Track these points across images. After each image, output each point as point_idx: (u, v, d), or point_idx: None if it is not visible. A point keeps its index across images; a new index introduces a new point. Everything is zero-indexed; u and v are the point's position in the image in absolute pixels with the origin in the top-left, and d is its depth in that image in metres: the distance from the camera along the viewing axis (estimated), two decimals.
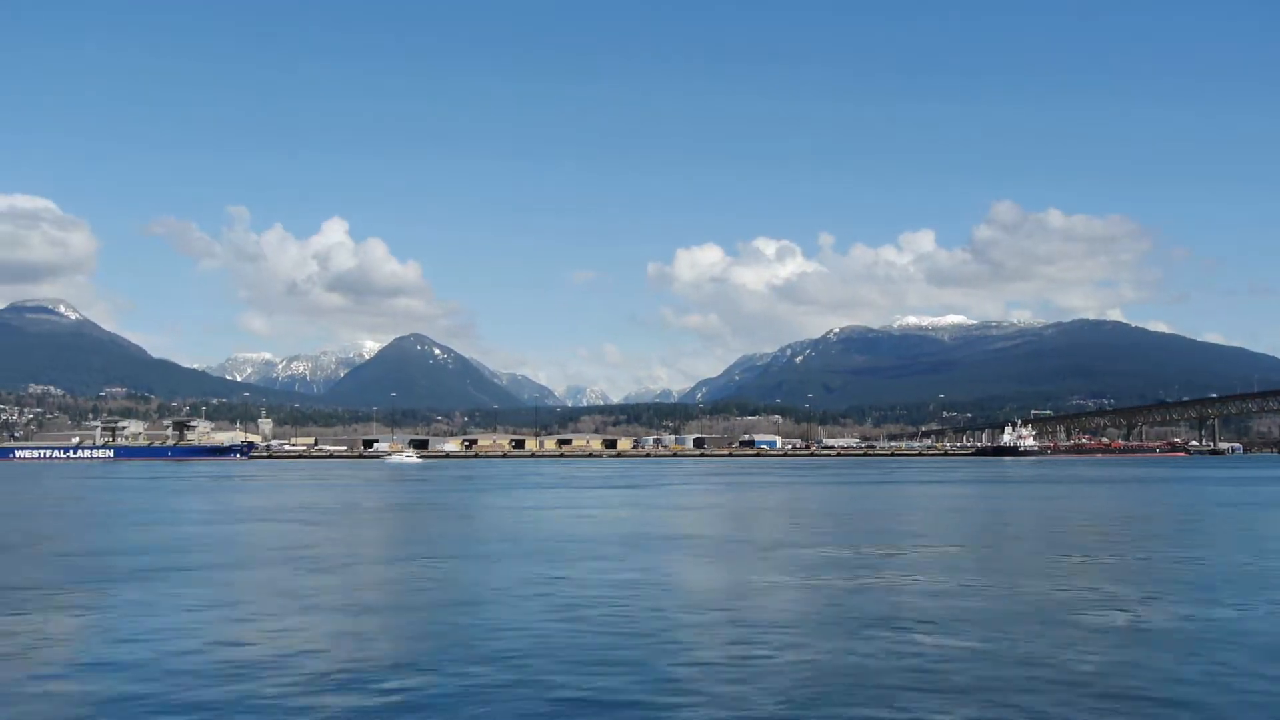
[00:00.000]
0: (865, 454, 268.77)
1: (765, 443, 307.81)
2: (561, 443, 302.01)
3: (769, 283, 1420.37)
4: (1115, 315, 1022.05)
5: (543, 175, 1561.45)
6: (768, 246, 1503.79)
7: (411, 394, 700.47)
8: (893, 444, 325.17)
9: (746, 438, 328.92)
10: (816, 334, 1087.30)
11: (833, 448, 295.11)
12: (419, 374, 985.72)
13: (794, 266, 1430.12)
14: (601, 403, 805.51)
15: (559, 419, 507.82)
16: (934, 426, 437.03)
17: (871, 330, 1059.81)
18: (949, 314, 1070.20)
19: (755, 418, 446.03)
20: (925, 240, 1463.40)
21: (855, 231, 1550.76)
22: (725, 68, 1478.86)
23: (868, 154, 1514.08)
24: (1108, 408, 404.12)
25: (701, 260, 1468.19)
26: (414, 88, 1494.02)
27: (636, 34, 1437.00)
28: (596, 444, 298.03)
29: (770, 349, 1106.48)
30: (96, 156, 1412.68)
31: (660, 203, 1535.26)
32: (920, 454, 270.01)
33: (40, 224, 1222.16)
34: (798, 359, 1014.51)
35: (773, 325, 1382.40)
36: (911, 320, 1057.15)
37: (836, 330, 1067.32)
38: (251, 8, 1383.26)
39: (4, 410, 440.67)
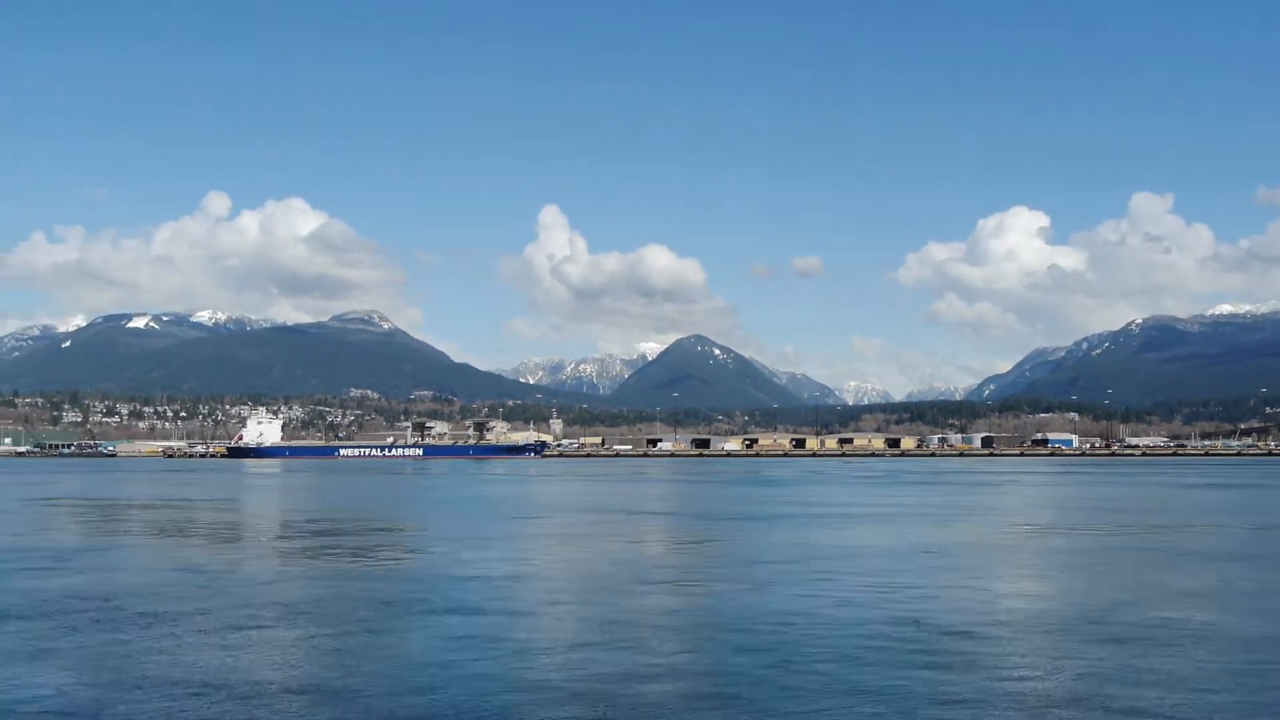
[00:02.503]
0: (1174, 453, 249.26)
1: (1060, 441, 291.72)
2: (843, 441, 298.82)
3: (1061, 271, 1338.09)
4: None
5: (801, 169, 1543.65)
6: (1063, 234, 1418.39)
7: (693, 394, 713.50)
8: (1206, 443, 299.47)
9: (1039, 436, 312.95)
10: (1116, 325, 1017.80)
11: (1136, 446, 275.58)
12: (700, 374, 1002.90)
13: (1089, 254, 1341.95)
14: (883, 400, 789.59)
15: (839, 417, 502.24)
16: (1255, 424, 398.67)
17: (1179, 320, 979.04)
18: (1272, 299, 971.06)
19: (1048, 415, 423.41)
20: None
21: (1152, 215, 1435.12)
22: None
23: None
24: None
25: (990, 249, 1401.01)
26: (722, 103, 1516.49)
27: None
28: (879, 443, 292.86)
29: (1065, 342, 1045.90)
30: (401, 184, 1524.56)
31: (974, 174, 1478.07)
32: (1239, 454, 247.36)
33: (350, 241, 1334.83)
34: (1095, 353, 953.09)
35: (1067, 317, 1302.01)
36: (1226, 309, 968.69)
37: (1139, 321, 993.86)
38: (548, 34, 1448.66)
39: (330, 412, 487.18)
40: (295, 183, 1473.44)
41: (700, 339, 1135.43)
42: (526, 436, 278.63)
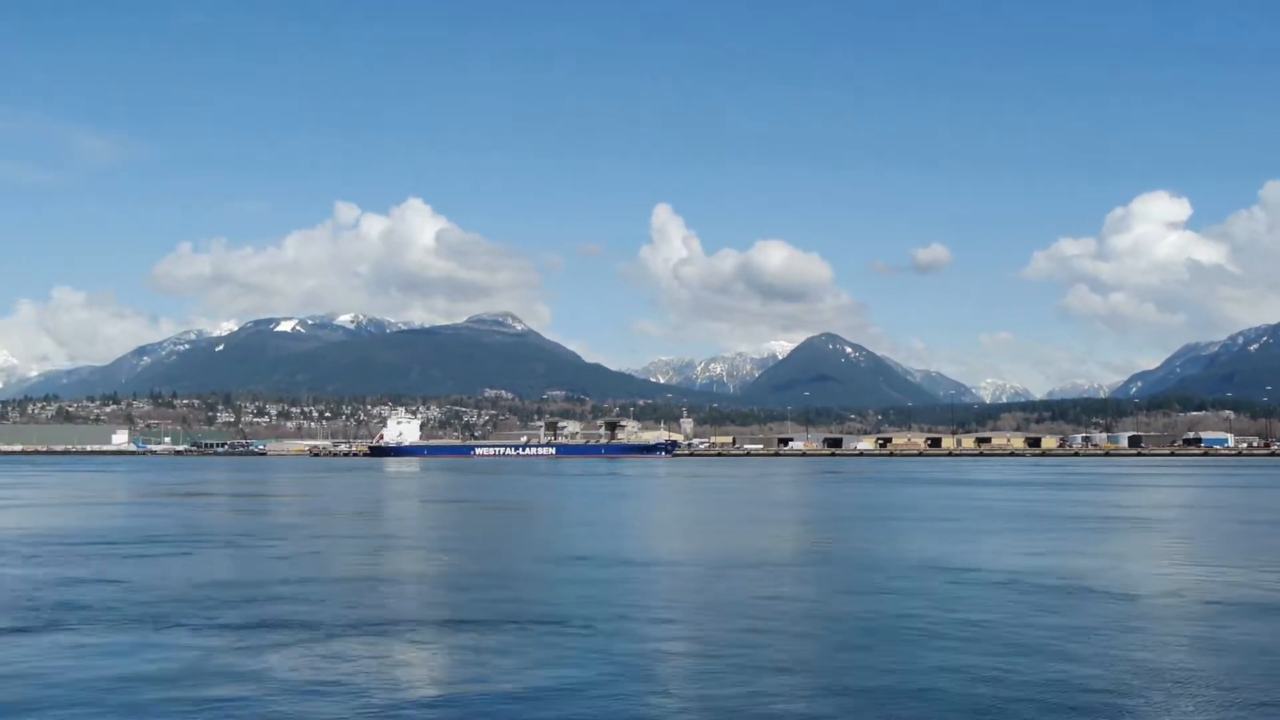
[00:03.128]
0: None
1: (1214, 440, 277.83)
2: (980, 441, 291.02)
3: (1199, 264, 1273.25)
4: None
5: (929, 165, 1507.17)
6: (1196, 225, 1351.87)
7: (824, 393, 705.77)
8: None
9: (1191, 435, 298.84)
10: (1271, 318, 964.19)
11: None
12: (831, 372, 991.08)
13: (1228, 245, 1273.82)
14: (1022, 399, 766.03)
15: (976, 416, 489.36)
16: None
17: None
18: None
19: (1200, 413, 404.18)
20: None
21: None
22: None
23: None
24: None
25: (1121, 242, 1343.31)
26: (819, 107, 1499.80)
27: None
28: (1018, 442, 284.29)
29: (1217, 337, 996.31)
30: (521, 187, 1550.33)
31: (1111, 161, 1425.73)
32: None
33: (479, 244, 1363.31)
34: (1251, 347, 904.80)
35: (1212, 311, 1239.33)
36: None
37: None
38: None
39: (466, 412, 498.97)
40: (419, 187, 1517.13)
41: (831, 337, 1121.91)
42: (657, 436, 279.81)
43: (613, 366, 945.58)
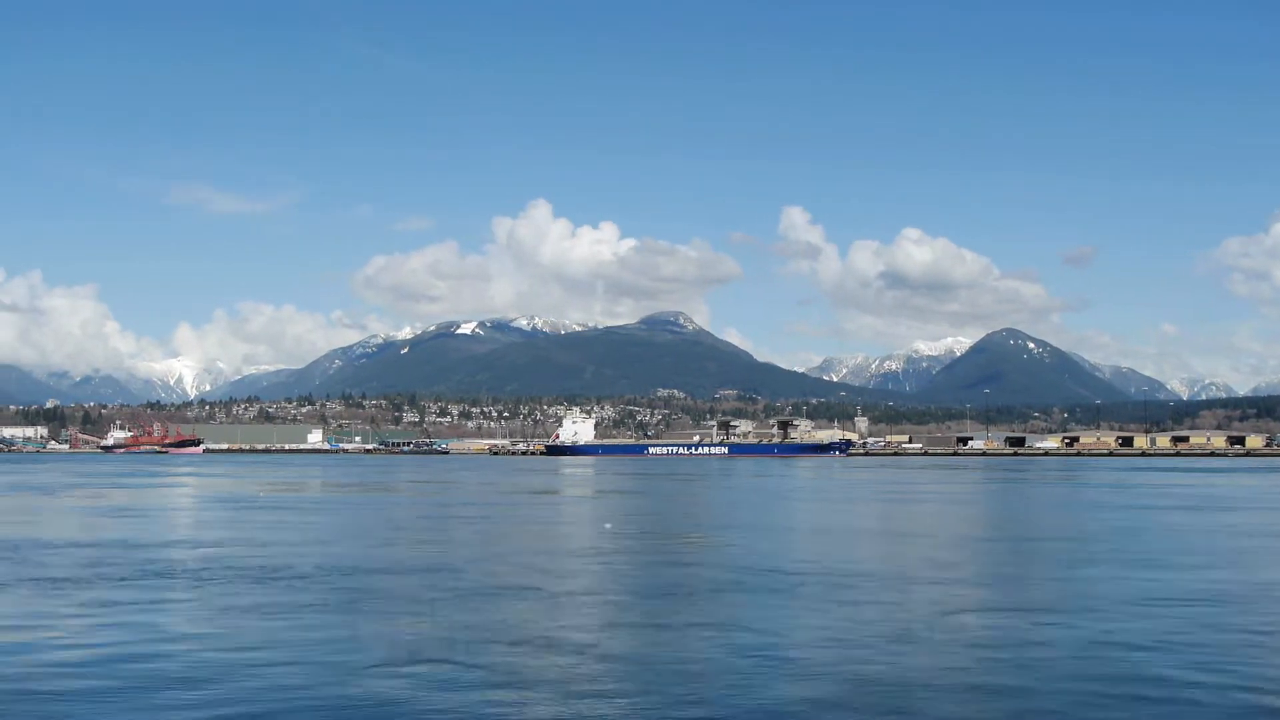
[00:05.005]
0: None
1: None
2: (1176, 440, 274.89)
3: None
4: None
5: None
6: None
7: (1005, 390, 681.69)
8: None
9: None
10: None
11: None
12: (1013, 369, 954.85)
13: None
14: (1225, 395, 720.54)
15: (1172, 414, 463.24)
16: None
17: None
18: None
19: None
20: None
21: None
22: None
23: None
24: None
25: None
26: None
27: None
28: (1219, 441, 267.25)
29: None
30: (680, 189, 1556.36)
31: None
32: None
33: (655, 247, 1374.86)
34: None
35: None
36: None
37: None
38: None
39: (640, 412, 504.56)
40: (596, 192, 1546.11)
41: (1012, 332, 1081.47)
42: (831, 435, 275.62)
43: (785, 365, 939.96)
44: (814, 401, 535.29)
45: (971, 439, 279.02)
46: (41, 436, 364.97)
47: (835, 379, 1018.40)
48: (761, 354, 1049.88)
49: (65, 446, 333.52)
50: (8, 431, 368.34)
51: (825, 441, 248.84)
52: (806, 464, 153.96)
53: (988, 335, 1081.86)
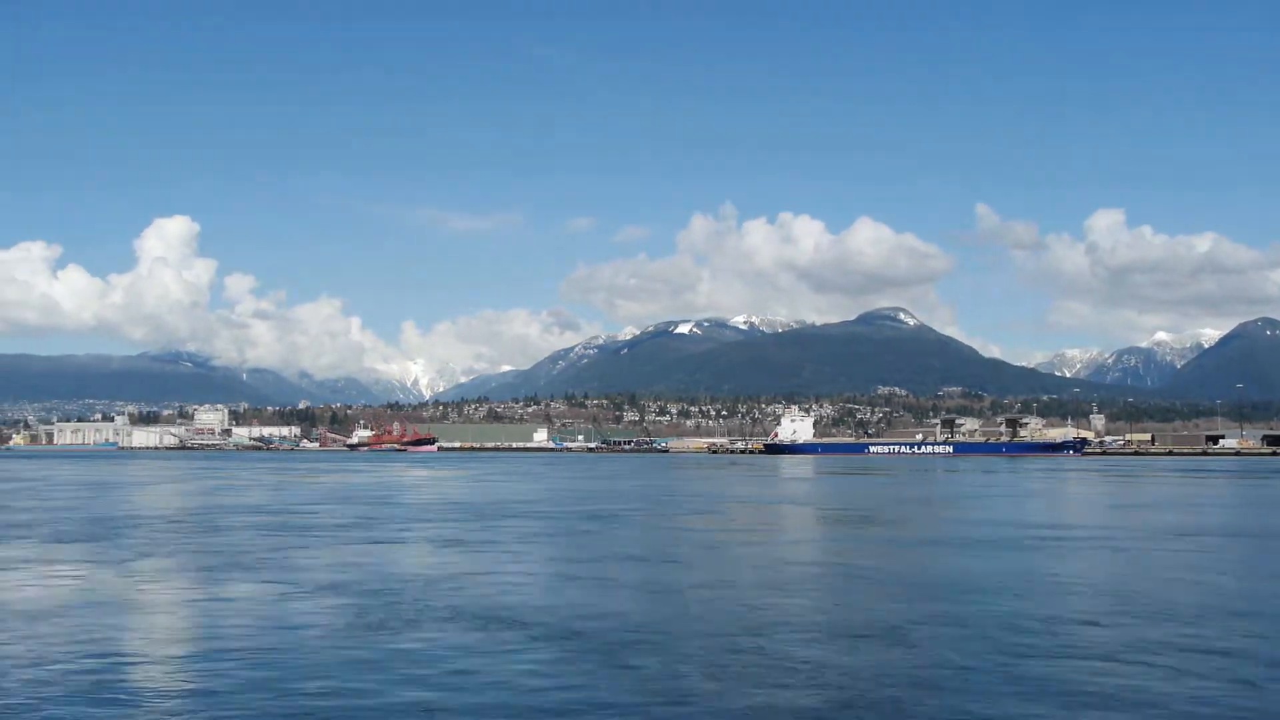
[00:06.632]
0: None
1: None
2: None
3: None
4: None
5: None
6: None
7: (1262, 384, 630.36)
8: None
9: None
10: None
11: None
12: (1269, 361, 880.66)
13: None
14: None
15: None
16: None
17: None
18: None
19: None
20: None
21: None
22: None
23: None
24: None
25: None
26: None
27: None
28: None
29: None
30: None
31: None
32: None
33: (874, 237, 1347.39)
34: None
35: None
36: None
37: None
38: None
39: (859, 410, 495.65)
40: (794, 191, 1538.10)
41: (1269, 322, 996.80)
42: (1064, 433, 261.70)
43: (1013, 360, 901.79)
44: (1044, 398, 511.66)
45: (1223, 437, 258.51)
46: (295, 435, 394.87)
47: (1069, 374, 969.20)
48: (992, 350, 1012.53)
49: (315, 445, 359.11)
50: (267, 431, 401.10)
51: (1057, 440, 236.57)
52: (1039, 463, 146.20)
53: (1240, 325, 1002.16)
